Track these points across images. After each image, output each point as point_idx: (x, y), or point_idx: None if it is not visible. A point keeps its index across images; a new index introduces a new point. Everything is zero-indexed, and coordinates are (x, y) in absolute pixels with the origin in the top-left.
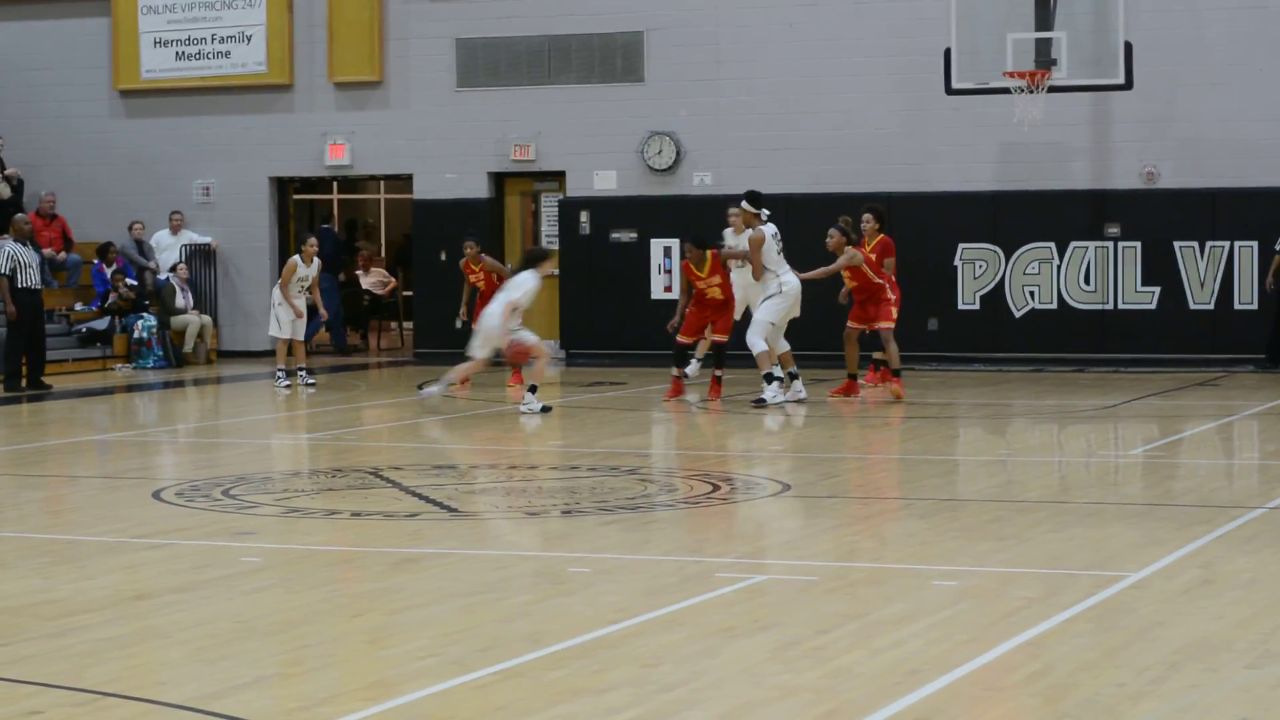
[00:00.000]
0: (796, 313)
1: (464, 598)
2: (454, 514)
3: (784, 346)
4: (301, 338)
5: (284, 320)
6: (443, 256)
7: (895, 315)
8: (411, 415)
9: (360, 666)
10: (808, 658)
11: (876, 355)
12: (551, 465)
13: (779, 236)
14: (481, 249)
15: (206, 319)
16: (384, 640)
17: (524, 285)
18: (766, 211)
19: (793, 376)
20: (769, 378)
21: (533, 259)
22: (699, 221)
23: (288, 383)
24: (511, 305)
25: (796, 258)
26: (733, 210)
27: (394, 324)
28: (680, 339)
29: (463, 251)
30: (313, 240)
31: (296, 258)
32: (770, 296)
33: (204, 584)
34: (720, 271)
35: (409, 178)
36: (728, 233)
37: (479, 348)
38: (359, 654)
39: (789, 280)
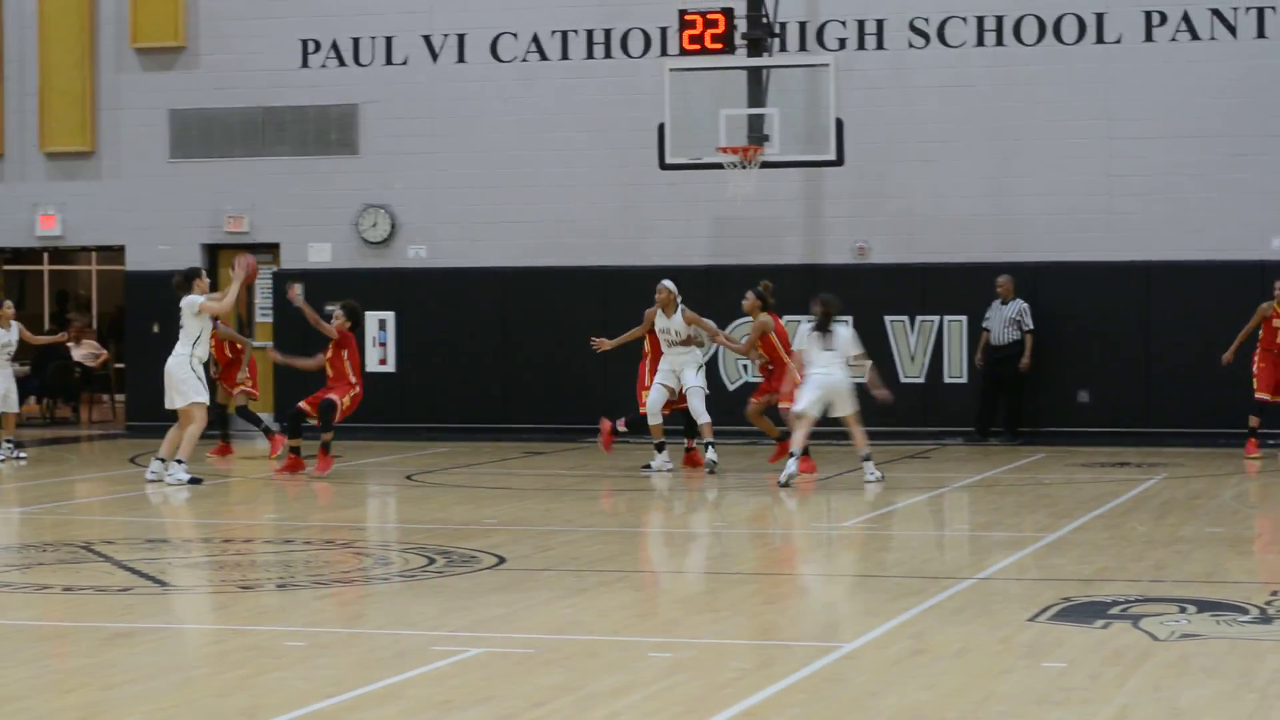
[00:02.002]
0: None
1: (178, 673)
2: (167, 588)
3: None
4: (13, 409)
5: None
6: (155, 329)
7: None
8: (124, 488)
9: None
10: None
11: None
12: (266, 539)
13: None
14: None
15: None
16: (97, 717)
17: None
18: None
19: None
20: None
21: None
22: (413, 295)
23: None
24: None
25: (520, 329)
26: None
27: (105, 396)
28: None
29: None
30: (8, 303)
31: None
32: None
33: None
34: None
35: (121, 249)
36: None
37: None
38: None
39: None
